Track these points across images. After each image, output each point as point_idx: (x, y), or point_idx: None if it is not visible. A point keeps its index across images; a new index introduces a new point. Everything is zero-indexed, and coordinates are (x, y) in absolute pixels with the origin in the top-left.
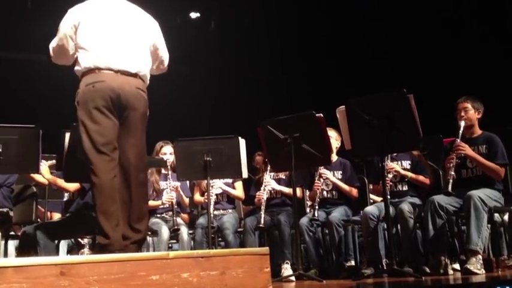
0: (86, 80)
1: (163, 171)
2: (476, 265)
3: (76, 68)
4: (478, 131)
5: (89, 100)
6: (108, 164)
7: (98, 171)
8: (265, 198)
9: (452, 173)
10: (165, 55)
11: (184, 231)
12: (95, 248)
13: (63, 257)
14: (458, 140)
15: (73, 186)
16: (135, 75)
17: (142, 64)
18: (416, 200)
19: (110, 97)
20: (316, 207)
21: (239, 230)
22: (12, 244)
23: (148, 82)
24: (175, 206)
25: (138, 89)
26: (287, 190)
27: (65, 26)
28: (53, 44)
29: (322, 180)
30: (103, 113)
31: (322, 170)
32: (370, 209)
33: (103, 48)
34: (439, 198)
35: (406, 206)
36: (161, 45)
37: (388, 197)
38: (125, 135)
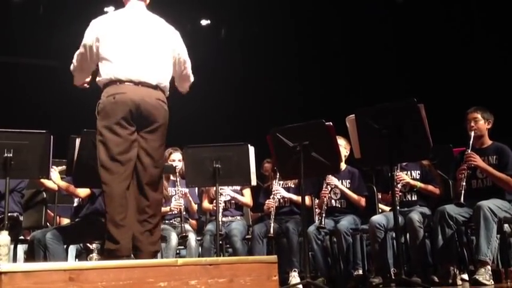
0: (107, 91)
1: (172, 177)
2: (485, 276)
3: (98, 78)
4: (488, 142)
5: (109, 112)
6: (121, 176)
7: (110, 181)
8: (274, 207)
9: (464, 183)
10: (188, 66)
11: (192, 238)
12: (104, 254)
13: (72, 262)
14: (469, 151)
15: (84, 192)
16: (155, 87)
17: (163, 76)
18: (426, 210)
19: (129, 109)
20: (323, 215)
21: (247, 237)
22: (21, 248)
23: (168, 93)
24: (184, 213)
25: (159, 100)
26: (296, 198)
27: (88, 37)
28: (75, 59)
29: (329, 188)
30: (122, 126)
31: (330, 178)
32: (377, 218)
33: (125, 60)
34: (449, 208)
35: (415, 216)
36: (184, 55)
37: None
38: (143, 145)
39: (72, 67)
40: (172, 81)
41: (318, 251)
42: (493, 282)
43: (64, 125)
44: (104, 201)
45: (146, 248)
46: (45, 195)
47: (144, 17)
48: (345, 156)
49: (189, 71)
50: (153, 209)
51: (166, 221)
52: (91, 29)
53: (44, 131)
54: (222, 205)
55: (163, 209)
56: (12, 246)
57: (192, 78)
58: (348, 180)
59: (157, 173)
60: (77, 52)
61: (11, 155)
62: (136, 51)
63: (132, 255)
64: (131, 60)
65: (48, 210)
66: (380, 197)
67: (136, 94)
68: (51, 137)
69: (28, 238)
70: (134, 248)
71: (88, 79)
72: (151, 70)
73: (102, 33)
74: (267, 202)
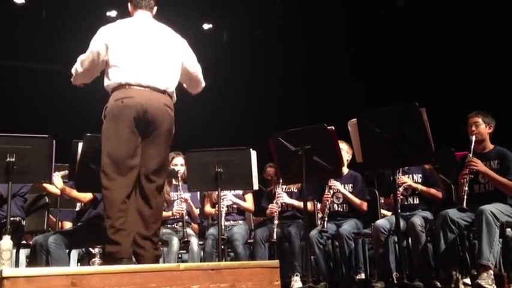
0: (115, 95)
1: (174, 182)
2: (487, 280)
3: (106, 83)
4: (489, 146)
5: (116, 115)
6: (122, 183)
7: (111, 187)
8: (277, 212)
9: (466, 188)
10: (198, 71)
11: (194, 242)
12: (105, 257)
13: (74, 267)
14: (471, 155)
15: (86, 196)
16: (163, 91)
17: (171, 81)
18: (428, 214)
19: (137, 113)
20: (326, 218)
21: (249, 241)
22: (23, 253)
23: (175, 99)
24: (186, 217)
25: (166, 106)
26: (297, 203)
27: (97, 43)
28: (80, 62)
29: (331, 192)
30: (128, 129)
31: (332, 182)
32: (381, 222)
33: (134, 65)
34: (451, 212)
35: (418, 220)
36: (192, 61)
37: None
38: (147, 149)
39: (74, 70)
40: (177, 87)
41: (320, 255)
42: (495, 287)
43: (66, 129)
44: (104, 206)
45: (148, 252)
46: (47, 200)
47: (152, 26)
48: (347, 160)
49: (200, 76)
50: (155, 215)
51: (168, 226)
52: (100, 35)
53: (47, 136)
54: (224, 209)
55: (165, 213)
56: (14, 251)
57: (203, 83)
58: (350, 185)
59: (160, 180)
60: (83, 57)
61: (14, 159)
62: (145, 57)
63: (133, 260)
64: (140, 65)
65: (50, 215)
66: (382, 201)
67: (145, 98)
68: (54, 141)
69: (30, 242)
70: (135, 253)
71: (86, 81)
72: (160, 75)
73: (110, 40)
74: (270, 206)
